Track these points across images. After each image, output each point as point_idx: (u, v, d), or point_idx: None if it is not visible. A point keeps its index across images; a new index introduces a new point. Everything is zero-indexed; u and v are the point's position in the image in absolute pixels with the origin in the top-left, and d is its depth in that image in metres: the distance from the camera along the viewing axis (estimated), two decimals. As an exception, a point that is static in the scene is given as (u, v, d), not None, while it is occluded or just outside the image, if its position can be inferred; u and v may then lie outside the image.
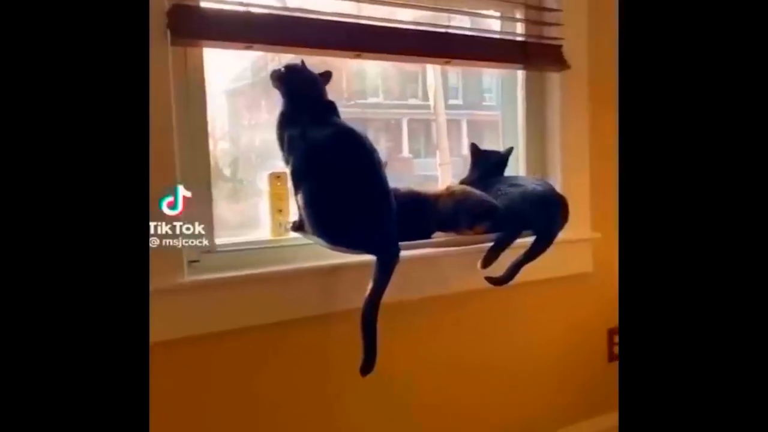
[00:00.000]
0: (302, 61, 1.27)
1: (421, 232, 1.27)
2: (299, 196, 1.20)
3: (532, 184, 1.39)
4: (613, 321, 1.92)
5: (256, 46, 1.29)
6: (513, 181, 1.43)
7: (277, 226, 1.40)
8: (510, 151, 1.54)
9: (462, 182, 1.50)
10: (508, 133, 1.80)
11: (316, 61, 1.31)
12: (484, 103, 2.03)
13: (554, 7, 1.68)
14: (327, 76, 1.29)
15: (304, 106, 1.24)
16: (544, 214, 1.34)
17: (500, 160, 1.52)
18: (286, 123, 1.24)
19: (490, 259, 1.30)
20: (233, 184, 1.51)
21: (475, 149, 1.54)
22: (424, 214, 1.31)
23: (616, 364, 1.92)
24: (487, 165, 1.51)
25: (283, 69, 1.27)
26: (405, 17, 1.47)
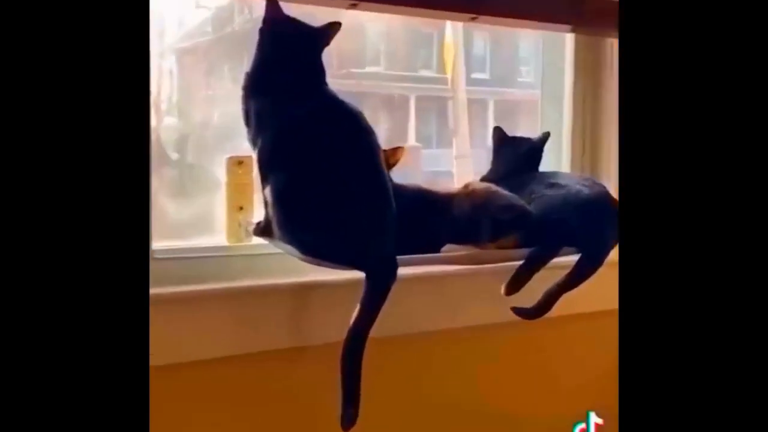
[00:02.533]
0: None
1: (428, 243, 1.21)
2: (267, 190, 1.12)
3: (577, 184, 1.32)
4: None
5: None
6: (552, 180, 1.36)
7: (237, 227, 1.33)
8: (546, 137, 1.46)
9: (483, 179, 1.43)
10: (549, 117, 1.74)
11: (298, 13, 1.21)
12: (519, 79, 2.05)
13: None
14: (332, 29, 1.18)
15: (284, 66, 1.16)
16: (593, 225, 1.26)
17: (533, 149, 1.45)
18: (253, 89, 1.16)
19: (518, 282, 1.23)
20: (180, 171, 1.46)
21: (499, 135, 1.47)
22: (433, 220, 1.25)
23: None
24: (516, 157, 1.44)
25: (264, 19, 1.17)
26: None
